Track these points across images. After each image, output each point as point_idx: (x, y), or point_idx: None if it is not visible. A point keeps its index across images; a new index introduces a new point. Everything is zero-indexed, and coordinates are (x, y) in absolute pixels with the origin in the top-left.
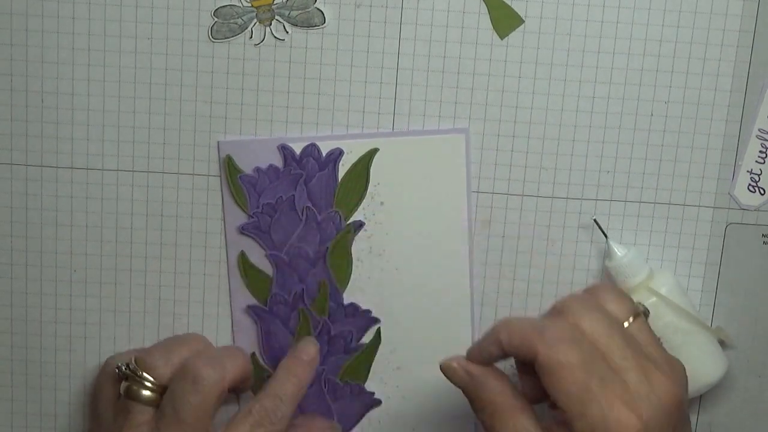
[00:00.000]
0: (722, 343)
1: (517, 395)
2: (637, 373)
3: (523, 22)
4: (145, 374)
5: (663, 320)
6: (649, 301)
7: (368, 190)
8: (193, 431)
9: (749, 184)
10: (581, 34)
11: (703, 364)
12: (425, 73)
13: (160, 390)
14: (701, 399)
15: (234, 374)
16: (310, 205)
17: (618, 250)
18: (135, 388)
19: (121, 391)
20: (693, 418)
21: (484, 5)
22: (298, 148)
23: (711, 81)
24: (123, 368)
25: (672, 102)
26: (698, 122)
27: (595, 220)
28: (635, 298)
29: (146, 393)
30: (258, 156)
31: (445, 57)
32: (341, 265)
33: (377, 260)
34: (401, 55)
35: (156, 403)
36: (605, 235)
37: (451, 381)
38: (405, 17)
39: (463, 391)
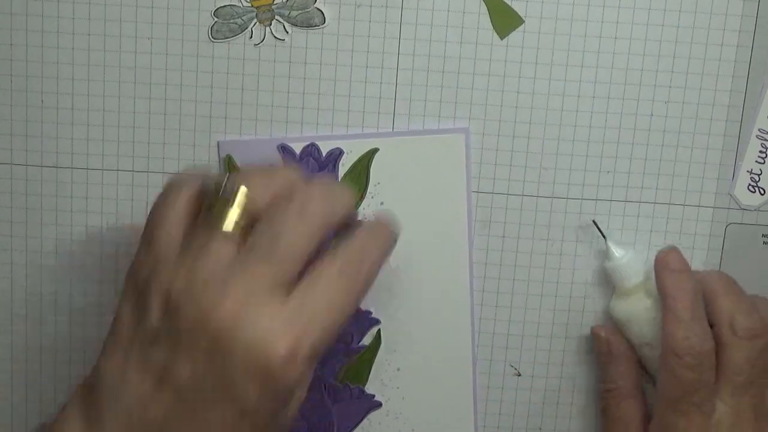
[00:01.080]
0: None
1: (638, 384)
2: None
3: (523, 22)
4: (240, 198)
5: (659, 322)
6: (647, 304)
7: (368, 190)
8: (285, 274)
9: (749, 184)
10: (581, 34)
11: None
12: (425, 73)
13: (250, 221)
14: None
15: (341, 218)
16: None
17: (616, 251)
18: (224, 210)
19: (205, 210)
20: None
21: (484, 5)
22: (298, 148)
23: (711, 81)
24: (212, 186)
25: (672, 102)
26: (698, 122)
27: (594, 221)
28: (632, 300)
29: (235, 220)
30: (258, 156)
31: (445, 57)
32: None
33: None
34: (401, 55)
35: (240, 236)
36: (604, 236)
37: (595, 345)
38: (405, 17)
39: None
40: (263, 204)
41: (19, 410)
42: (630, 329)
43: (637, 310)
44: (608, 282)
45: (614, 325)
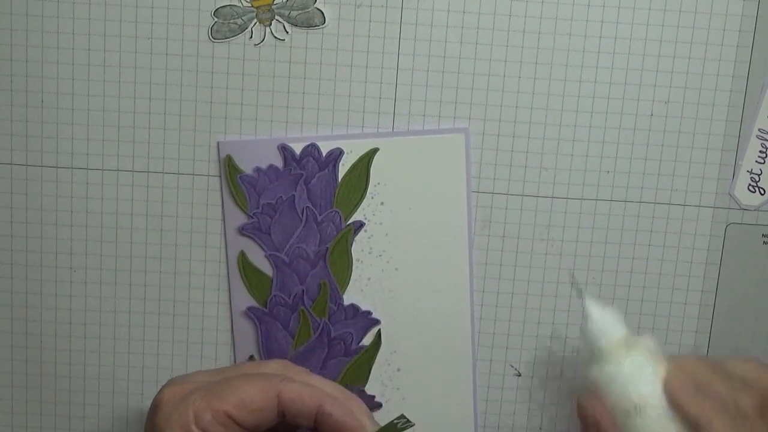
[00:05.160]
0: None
1: None
2: None
3: None
4: None
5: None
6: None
7: (368, 190)
8: None
9: (749, 184)
10: (581, 34)
11: None
12: (425, 73)
13: None
14: None
15: None
16: (310, 205)
17: (595, 310)
18: None
19: None
20: None
21: (484, 5)
22: (298, 148)
23: (711, 81)
24: None
25: (672, 102)
26: (698, 122)
27: (571, 275)
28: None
29: None
30: (258, 156)
31: (445, 57)
32: (341, 265)
33: (377, 261)
34: (401, 55)
35: None
36: (582, 294)
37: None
38: (405, 17)
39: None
40: None
41: (19, 410)
42: (619, 392)
43: (628, 369)
44: (585, 345)
45: (596, 394)
